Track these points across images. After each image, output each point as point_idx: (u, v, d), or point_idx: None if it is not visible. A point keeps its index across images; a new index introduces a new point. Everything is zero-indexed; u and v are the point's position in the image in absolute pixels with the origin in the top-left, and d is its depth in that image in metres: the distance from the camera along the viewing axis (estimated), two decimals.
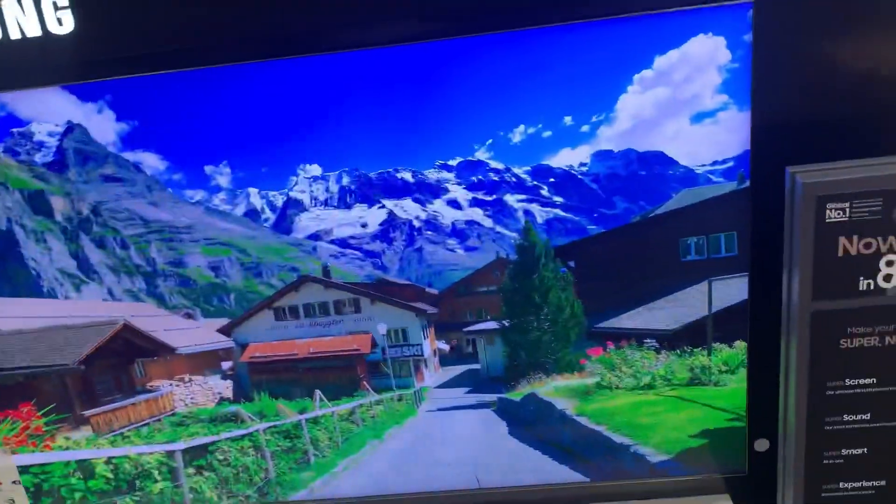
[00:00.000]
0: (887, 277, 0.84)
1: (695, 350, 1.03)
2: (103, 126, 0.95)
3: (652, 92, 0.89)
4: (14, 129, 0.96)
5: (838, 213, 0.81)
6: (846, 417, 0.90)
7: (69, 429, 1.07)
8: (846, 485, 0.94)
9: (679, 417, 1.07)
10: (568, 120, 0.91)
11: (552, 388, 1.08)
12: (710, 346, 1.03)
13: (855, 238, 0.82)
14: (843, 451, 0.92)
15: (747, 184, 0.93)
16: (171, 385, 1.07)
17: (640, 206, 0.96)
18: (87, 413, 1.06)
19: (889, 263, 0.83)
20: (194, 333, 1.05)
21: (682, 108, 0.90)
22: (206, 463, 1.10)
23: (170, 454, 1.07)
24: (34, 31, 0.91)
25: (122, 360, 1.05)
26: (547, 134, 0.92)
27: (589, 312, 1.03)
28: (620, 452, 1.08)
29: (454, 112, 0.92)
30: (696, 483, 1.11)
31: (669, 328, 1.04)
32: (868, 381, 0.88)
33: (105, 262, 1.02)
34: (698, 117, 0.90)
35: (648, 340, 1.04)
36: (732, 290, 0.99)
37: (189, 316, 1.04)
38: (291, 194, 0.98)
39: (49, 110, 0.95)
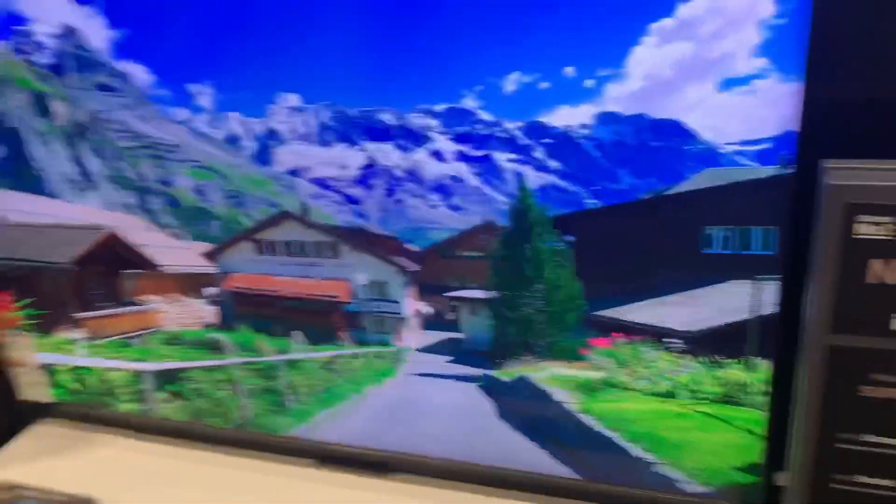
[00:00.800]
0: None
1: (725, 361, 0.87)
2: (97, 32, 0.92)
3: (671, 46, 0.73)
4: (15, 27, 0.95)
5: (872, 228, 0.62)
6: (859, 479, 0.72)
7: (67, 327, 1.09)
8: None
9: (710, 439, 0.90)
10: (569, 71, 0.77)
11: (549, 375, 0.96)
12: (750, 360, 0.86)
13: (894, 264, 0.63)
14: None
15: (788, 171, 0.74)
16: (160, 302, 1.06)
17: (649, 184, 0.80)
18: (77, 316, 1.07)
19: None
20: (181, 253, 1.03)
21: (709, 70, 0.73)
22: (178, 390, 1.08)
23: (138, 374, 1.07)
24: None
25: (111, 269, 1.05)
26: (544, 85, 0.78)
27: (590, 296, 0.89)
28: (639, 468, 0.93)
29: (441, 49, 0.80)
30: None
31: (691, 330, 0.88)
32: (892, 441, 0.70)
33: (102, 171, 1.01)
34: (728, 83, 0.73)
35: (671, 340, 0.89)
36: (770, 296, 0.82)
37: (176, 237, 1.02)
38: (271, 124, 0.91)
39: (47, 11, 0.93)
